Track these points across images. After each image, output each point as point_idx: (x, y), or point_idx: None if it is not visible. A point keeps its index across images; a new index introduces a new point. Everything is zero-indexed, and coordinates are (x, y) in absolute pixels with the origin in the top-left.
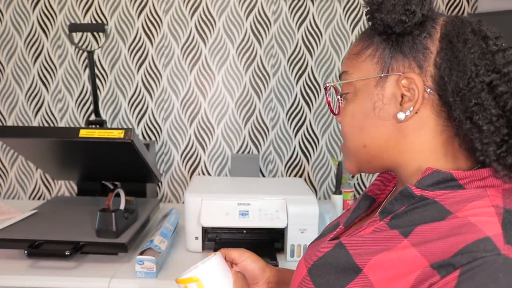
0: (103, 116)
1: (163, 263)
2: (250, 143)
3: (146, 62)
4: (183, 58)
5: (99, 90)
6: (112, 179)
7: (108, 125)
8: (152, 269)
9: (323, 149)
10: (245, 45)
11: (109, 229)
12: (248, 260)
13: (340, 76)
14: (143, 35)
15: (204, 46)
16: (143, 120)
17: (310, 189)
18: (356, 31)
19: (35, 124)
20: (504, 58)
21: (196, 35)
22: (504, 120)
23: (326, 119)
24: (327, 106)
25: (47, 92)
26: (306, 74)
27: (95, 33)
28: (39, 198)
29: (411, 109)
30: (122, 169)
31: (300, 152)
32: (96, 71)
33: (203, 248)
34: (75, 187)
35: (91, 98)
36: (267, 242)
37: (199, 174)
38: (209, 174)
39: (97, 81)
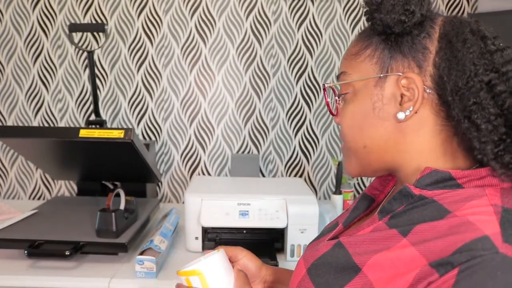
0: (103, 116)
1: (163, 263)
2: (250, 143)
3: (146, 62)
4: (183, 58)
5: (99, 90)
6: (112, 179)
7: (108, 125)
8: (152, 269)
9: (323, 149)
10: (245, 45)
11: (109, 229)
12: (244, 258)
13: (338, 76)
14: (143, 35)
15: (204, 46)
16: (143, 120)
17: (310, 189)
18: (356, 31)
19: (35, 124)
20: (502, 58)
21: (196, 35)
22: (502, 119)
23: (326, 119)
24: (326, 106)
25: (47, 92)
26: (306, 74)
27: (95, 33)
28: (39, 198)
29: (410, 109)
30: (122, 169)
31: (300, 152)
32: (96, 71)
33: (203, 248)
34: (75, 187)
35: (91, 98)
36: (267, 242)
37: (199, 174)
38: (209, 174)
39: (97, 81)
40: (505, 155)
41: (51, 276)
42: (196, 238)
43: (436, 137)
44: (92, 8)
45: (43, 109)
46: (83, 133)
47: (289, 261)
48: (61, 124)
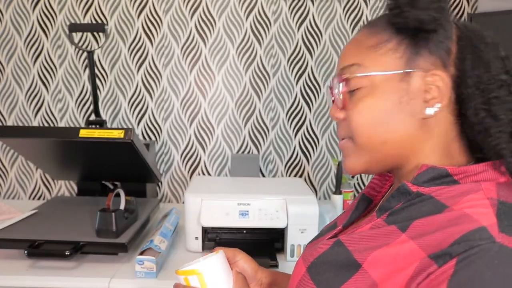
0: (103, 116)
1: (163, 263)
2: (250, 143)
3: (146, 62)
4: (183, 58)
5: (99, 90)
6: (112, 179)
7: (108, 125)
8: (152, 269)
9: (323, 149)
10: (245, 45)
11: (109, 229)
12: (241, 260)
13: (344, 68)
14: (143, 35)
15: (204, 46)
16: (143, 120)
17: (310, 189)
18: (356, 31)
19: (35, 124)
20: (510, 63)
21: (196, 35)
22: None
23: (326, 119)
24: (327, 106)
25: (47, 92)
26: (306, 74)
27: (95, 33)
28: (39, 198)
29: (438, 106)
30: (122, 169)
31: (300, 152)
32: (96, 71)
33: (203, 248)
34: (75, 187)
35: (91, 98)
36: (267, 242)
37: (199, 174)
38: (209, 174)
39: (97, 81)
40: None
41: (51, 276)
42: (196, 238)
43: (446, 135)
44: (92, 8)
45: (43, 109)
46: (83, 133)
47: (289, 261)
48: (61, 124)
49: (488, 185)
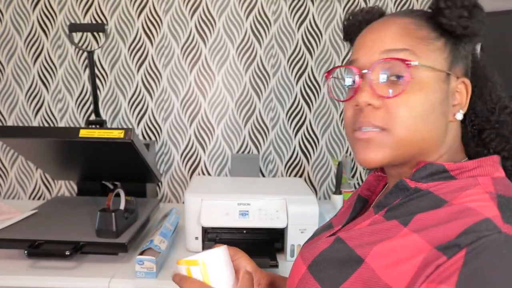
0: (103, 116)
1: (163, 263)
2: (250, 143)
3: (146, 62)
4: (183, 58)
5: (99, 90)
6: (112, 179)
7: (108, 125)
8: (152, 269)
9: (323, 149)
10: (245, 45)
11: (109, 229)
12: (241, 259)
13: (391, 51)
14: (143, 35)
15: (204, 46)
16: (143, 120)
17: (310, 189)
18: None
19: (35, 124)
20: None
21: (196, 35)
22: None
23: (326, 119)
24: (327, 106)
25: (47, 92)
26: (306, 74)
27: (95, 33)
28: (39, 198)
29: (461, 111)
30: (122, 169)
31: (300, 152)
32: (96, 71)
33: (203, 248)
34: (75, 187)
35: (91, 98)
36: (267, 242)
37: (199, 174)
38: (209, 174)
39: (97, 81)
40: None
41: (51, 276)
42: (196, 238)
43: (456, 137)
44: (92, 8)
45: (43, 109)
46: (83, 133)
47: (289, 261)
48: (61, 124)
49: (485, 180)
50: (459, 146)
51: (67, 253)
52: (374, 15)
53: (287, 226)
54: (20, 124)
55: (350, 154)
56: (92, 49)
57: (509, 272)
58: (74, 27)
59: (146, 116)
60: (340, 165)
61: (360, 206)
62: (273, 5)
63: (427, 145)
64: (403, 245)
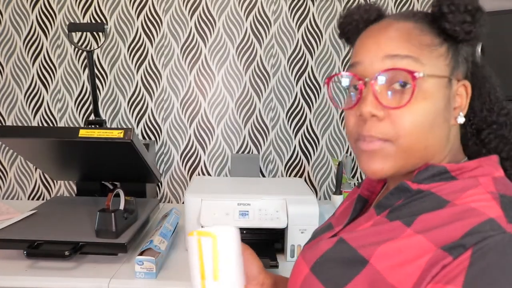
0: (103, 116)
1: (162, 264)
2: (250, 143)
3: (146, 62)
4: (183, 58)
5: (99, 90)
6: (112, 179)
7: (108, 125)
8: (151, 270)
9: (323, 149)
10: (245, 45)
11: (109, 229)
12: (249, 256)
13: (394, 57)
14: (143, 35)
15: (204, 46)
16: (143, 120)
17: (310, 189)
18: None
19: (34, 124)
20: None
21: (196, 35)
22: None
23: (326, 119)
24: (327, 106)
25: (46, 92)
26: (306, 74)
27: (94, 33)
28: (38, 198)
29: (462, 114)
30: (122, 169)
31: (300, 152)
32: (96, 71)
33: None
34: (75, 187)
35: (90, 98)
36: (267, 242)
37: (199, 174)
38: (209, 174)
39: (97, 81)
40: None
41: (51, 276)
42: None
43: (456, 140)
44: (92, 7)
45: (42, 109)
46: (83, 133)
47: (289, 261)
48: (61, 124)
49: (485, 179)
50: (459, 146)
51: (67, 253)
52: (371, 14)
53: (287, 226)
54: (19, 124)
55: (350, 154)
56: (92, 48)
57: None
58: (73, 27)
59: (146, 116)
60: (340, 165)
61: (360, 206)
62: (273, 5)
63: (431, 151)
64: (407, 245)
